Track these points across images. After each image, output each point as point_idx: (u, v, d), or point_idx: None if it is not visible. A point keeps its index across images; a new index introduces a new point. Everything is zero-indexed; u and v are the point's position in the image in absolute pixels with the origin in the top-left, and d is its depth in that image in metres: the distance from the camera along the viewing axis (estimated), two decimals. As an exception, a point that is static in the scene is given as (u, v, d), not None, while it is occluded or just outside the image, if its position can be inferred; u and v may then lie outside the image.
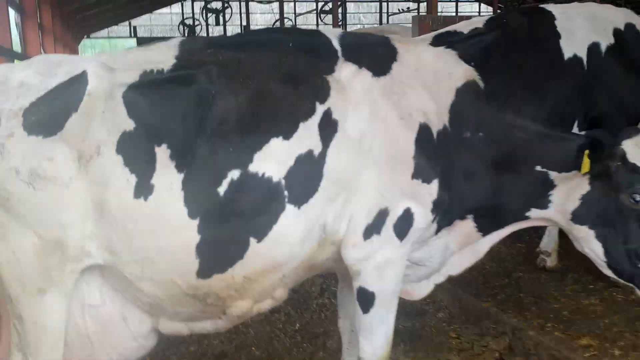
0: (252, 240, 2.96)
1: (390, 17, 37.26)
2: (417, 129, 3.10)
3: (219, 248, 2.96)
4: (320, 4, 33.12)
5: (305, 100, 3.04)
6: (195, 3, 35.76)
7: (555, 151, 3.22)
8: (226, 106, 2.95)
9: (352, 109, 3.06)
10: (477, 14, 36.00)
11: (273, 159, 2.93)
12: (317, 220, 3.04)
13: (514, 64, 4.61)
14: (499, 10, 20.38)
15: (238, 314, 3.17)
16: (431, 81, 3.23)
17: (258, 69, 3.07)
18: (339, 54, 3.20)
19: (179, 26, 34.85)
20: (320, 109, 3.03)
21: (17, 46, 13.58)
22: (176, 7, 36.70)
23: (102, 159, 2.82)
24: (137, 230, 2.88)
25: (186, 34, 33.64)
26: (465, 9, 39.88)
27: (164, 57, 3.06)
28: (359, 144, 3.04)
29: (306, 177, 2.98)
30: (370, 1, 39.34)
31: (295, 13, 35.38)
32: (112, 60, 3.06)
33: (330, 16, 31.95)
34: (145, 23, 37.73)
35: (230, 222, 2.93)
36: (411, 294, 3.62)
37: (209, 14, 33.18)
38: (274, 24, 33.69)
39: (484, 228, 3.42)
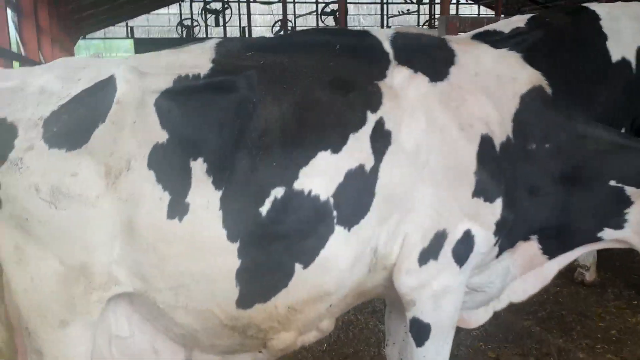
0: (298, 267, 2.66)
1: (390, 19, 36.99)
2: (479, 140, 2.79)
3: (262, 275, 2.67)
4: (320, 5, 32.85)
5: (355, 109, 2.74)
6: (193, 4, 35.44)
7: (632, 164, 2.90)
8: (268, 116, 2.65)
9: (406, 119, 2.76)
10: (476, 16, 35.75)
11: (320, 175, 2.64)
12: (369, 243, 2.74)
13: (560, 67, 4.30)
14: (502, 14, 20.17)
15: (280, 348, 2.87)
16: (493, 87, 2.92)
17: (303, 74, 2.78)
18: (391, 57, 2.90)
19: (177, 27, 34.52)
20: (371, 118, 2.73)
21: (14, 47, 13.33)
22: (174, 8, 36.34)
23: (132, 174, 2.53)
24: (170, 254, 2.59)
25: (184, 35, 33.34)
26: (465, 11, 39.66)
27: (199, 61, 2.76)
28: (415, 157, 2.74)
29: (357, 194, 2.68)
30: (371, 3, 39.03)
31: (295, 14, 35.11)
32: (141, 63, 2.75)
33: (330, 18, 31.78)
34: (142, 24, 37.32)
35: (274, 246, 2.63)
36: (467, 322, 3.31)
37: (208, 15, 32.86)
38: (273, 25, 33.41)
39: (550, 250, 3.11)
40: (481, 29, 4.07)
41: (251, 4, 30.97)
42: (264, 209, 2.59)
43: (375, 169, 2.69)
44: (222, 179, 2.57)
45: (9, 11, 13.60)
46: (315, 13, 34.15)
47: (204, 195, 2.56)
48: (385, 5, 38.23)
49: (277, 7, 34.24)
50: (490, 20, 6.84)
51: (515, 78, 2.95)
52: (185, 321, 2.72)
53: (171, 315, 2.70)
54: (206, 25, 33.48)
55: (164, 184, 2.54)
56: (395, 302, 3.14)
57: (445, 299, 2.85)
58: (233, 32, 34.74)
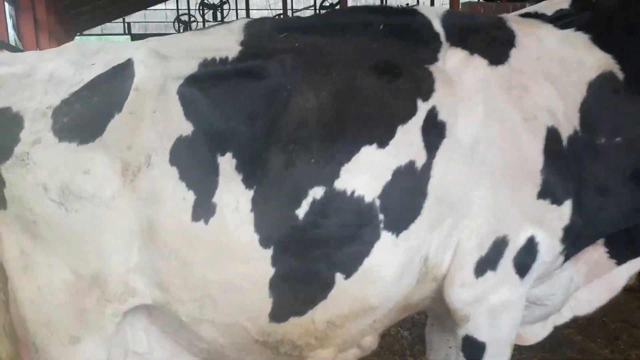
0: (339, 277, 2.37)
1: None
2: (545, 134, 2.47)
3: (298, 285, 2.38)
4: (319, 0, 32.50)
5: (404, 97, 2.43)
6: (190, -1, 35.07)
7: None
8: (305, 105, 2.37)
9: (463, 108, 2.45)
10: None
11: (365, 173, 2.34)
12: (419, 251, 2.44)
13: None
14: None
15: (317, 366, 2.57)
16: (557, 72, 2.59)
17: (343, 57, 2.48)
18: (442, 37, 2.59)
19: (174, 22, 34.16)
20: (423, 108, 2.42)
21: (11, 41, 13.04)
22: (171, 3, 35.95)
23: (153, 171, 2.25)
24: (195, 261, 2.31)
25: (181, 31, 32.94)
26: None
27: (226, 43, 2.47)
28: (472, 152, 2.43)
29: (407, 195, 2.38)
30: (370, -3, 38.68)
31: (292, 9, 34.77)
32: (162, 46, 2.46)
33: (329, 13, 31.39)
34: (139, 19, 36.96)
35: (312, 253, 2.35)
36: (524, 339, 2.99)
37: (206, 10, 32.53)
38: (272, 20, 33.03)
39: (619, 255, 2.78)
40: (521, 11, 3.76)
41: (249, -2, 30.68)
42: (301, 211, 2.31)
43: (427, 166, 2.39)
44: (253, 177, 2.30)
45: (6, 5, 13.32)
46: (313, 8, 33.80)
47: (233, 194, 2.29)
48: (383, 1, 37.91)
49: (275, 2, 33.88)
50: (516, 7, 6.52)
51: (581, 62, 2.62)
52: (211, 336, 2.44)
53: (195, 330, 2.43)
54: (204, 21, 33.08)
55: (188, 182, 2.27)
56: (440, 314, 2.84)
57: (503, 315, 2.54)
58: (231, 27, 34.34)
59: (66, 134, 2.21)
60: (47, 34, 16.48)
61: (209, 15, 32.92)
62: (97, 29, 35.43)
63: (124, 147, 2.23)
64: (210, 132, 2.29)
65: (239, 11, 34.36)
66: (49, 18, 17.07)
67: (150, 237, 2.27)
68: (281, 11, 25.80)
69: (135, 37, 34.13)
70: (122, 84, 2.27)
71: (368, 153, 2.35)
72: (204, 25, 33.23)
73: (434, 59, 2.52)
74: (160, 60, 2.35)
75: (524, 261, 2.49)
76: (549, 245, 2.50)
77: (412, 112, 2.41)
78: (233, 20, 2.63)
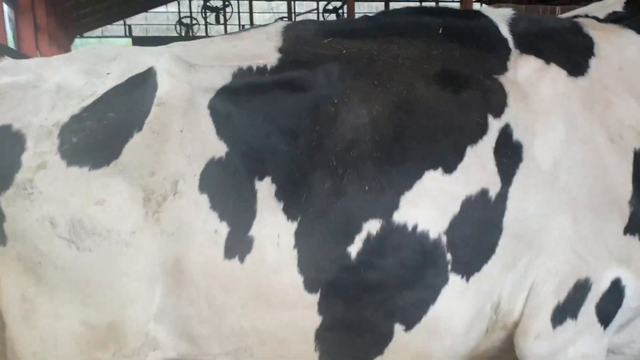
0: (398, 328, 2.06)
1: (393, 18, 36.39)
2: (633, 157, 2.16)
3: (349, 337, 2.08)
4: (322, 3, 32.34)
5: (472, 112, 2.12)
6: (192, 1, 34.86)
7: None
8: (355, 121, 2.06)
9: (541, 126, 2.13)
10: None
11: (429, 204, 2.04)
12: (491, 296, 2.12)
13: None
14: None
15: None
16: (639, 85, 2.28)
17: (398, 66, 2.17)
18: (511, 43, 2.26)
19: (175, 25, 33.95)
20: (494, 125, 2.10)
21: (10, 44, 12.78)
22: (173, 6, 35.76)
23: (180, 200, 1.94)
24: (228, 305, 2.00)
25: (183, 34, 32.75)
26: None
27: (263, 50, 2.17)
28: (552, 178, 2.10)
29: (479, 231, 2.07)
30: (373, 0, 38.52)
31: (294, 12, 34.58)
32: (189, 52, 2.13)
33: (333, 16, 31.24)
34: (140, 22, 36.74)
35: (366, 299, 2.04)
36: None
37: (208, 13, 32.34)
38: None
39: None
40: (569, 13, 3.42)
41: (253, 1, 30.49)
42: (353, 249, 2.00)
43: (502, 195, 2.06)
44: (296, 206, 1.99)
45: (5, 7, 13.06)
46: (316, 11, 33.62)
47: (273, 227, 1.99)
48: (388, 4, 37.73)
49: (277, 5, 33.67)
50: (546, 10, 6.19)
51: None
52: (247, 395, 2.09)
53: (228, 387, 2.08)
54: (206, 24, 32.89)
55: (221, 212, 1.97)
56: None
57: None
58: (233, 30, 34.21)
59: (76, 157, 1.89)
60: (47, 37, 16.27)
61: (211, 18, 32.72)
62: (97, 32, 35.24)
63: (146, 173, 1.92)
64: (247, 153, 2.00)
65: (241, 14, 34.18)
66: (48, 20, 16.86)
67: (176, 278, 1.96)
68: (285, 14, 25.59)
69: (136, 40, 33.94)
70: (142, 97, 1.96)
71: (432, 179, 2.04)
72: (206, 28, 33.05)
73: (503, 68, 2.21)
74: (187, 69, 2.04)
75: (608, 308, 2.18)
76: (637, 289, 2.19)
77: (482, 130, 2.09)
78: (271, 23, 2.30)
